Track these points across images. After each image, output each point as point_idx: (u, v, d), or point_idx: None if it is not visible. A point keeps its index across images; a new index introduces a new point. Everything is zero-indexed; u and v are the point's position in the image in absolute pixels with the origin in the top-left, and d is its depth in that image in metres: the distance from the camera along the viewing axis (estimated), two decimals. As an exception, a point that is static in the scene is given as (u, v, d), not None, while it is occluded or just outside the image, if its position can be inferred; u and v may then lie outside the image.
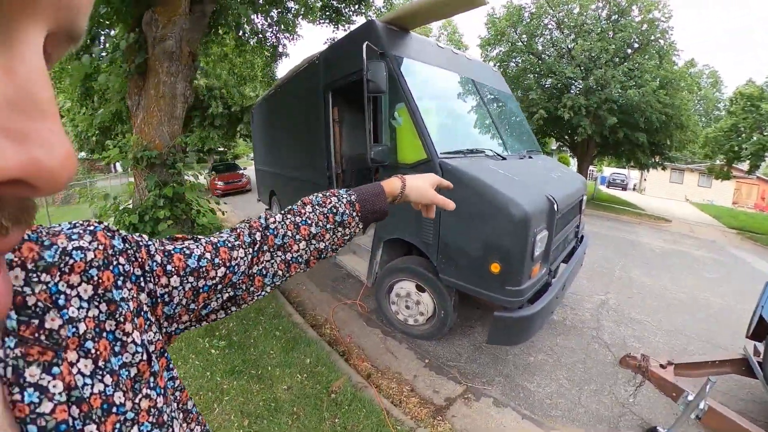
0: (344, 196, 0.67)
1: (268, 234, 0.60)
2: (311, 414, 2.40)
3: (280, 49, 6.65)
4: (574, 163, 17.09)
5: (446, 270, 2.71)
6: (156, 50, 3.38)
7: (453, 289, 2.86)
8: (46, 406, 0.30)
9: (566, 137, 13.49)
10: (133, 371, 0.38)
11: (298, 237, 0.61)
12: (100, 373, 0.35)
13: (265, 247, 0.59)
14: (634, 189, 28.84)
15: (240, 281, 0.56)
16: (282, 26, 6.00)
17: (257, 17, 5.75)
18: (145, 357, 0.40)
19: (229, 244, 0.55)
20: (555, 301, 2.68)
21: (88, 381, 0.34)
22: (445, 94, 3.21)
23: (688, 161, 23.82)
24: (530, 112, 11.37)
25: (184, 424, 0.46)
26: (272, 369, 2.89)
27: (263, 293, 0.61)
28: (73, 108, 5.03)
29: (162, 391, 0.41)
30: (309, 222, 0.63)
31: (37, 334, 0.32)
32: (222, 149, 19.58)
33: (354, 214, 0.67)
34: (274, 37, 6.39)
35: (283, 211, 0.64)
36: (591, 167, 28.65)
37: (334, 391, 2.60)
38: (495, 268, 2.38)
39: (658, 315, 4.15)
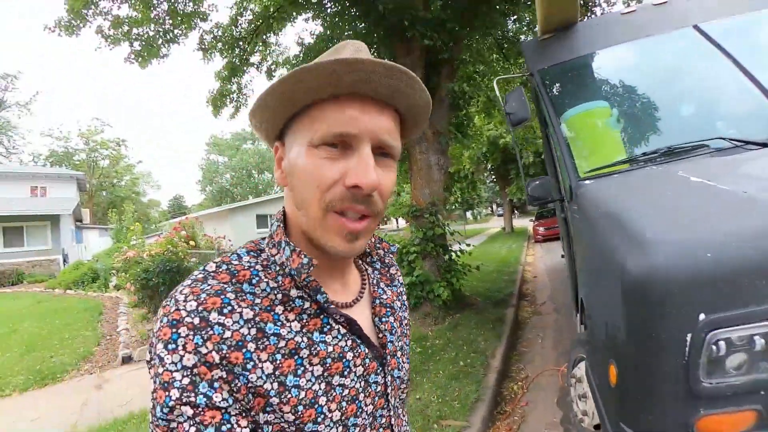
0: None
1: None
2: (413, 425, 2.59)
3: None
4: None
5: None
6: (407, 141, 4.89)
7: None
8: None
9: None
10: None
11: None
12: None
13: None
14: None
15: None
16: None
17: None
18: None
19: None
20: None
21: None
22: (641, 74, 2.25)
23: None
24: None
25: None
26: (416, 378, 3.20)
27: None
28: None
29: None
30: None
31: None
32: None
33: None
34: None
35: None
36: None
37: (442, 425, 2.57)
38: (612, 374, 1.36)
39: None
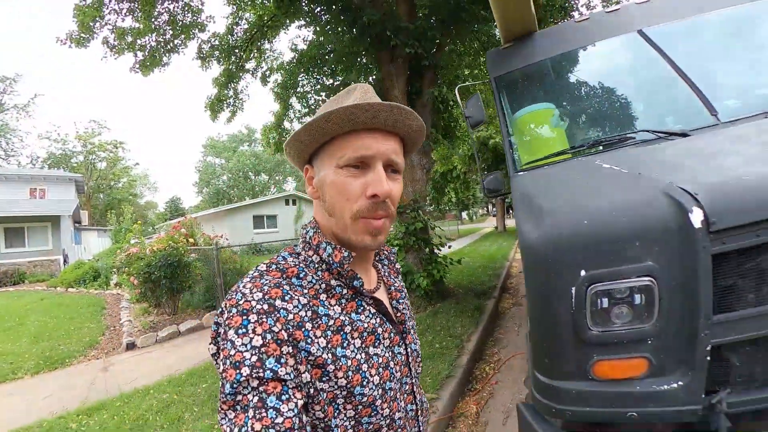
0: None
1: None
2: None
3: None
4: None
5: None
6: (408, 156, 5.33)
7: None
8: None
9: None
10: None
11: None
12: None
13: None
14: None
15: None
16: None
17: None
18: None
19: None
20: None
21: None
22: (588, 76, 2.49)
23: None
24: None
25: None
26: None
27: None
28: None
29: None
30: None
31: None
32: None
33: None
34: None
35: None
36: None
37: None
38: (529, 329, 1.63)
39: None
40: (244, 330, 0.46)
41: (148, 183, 46.87)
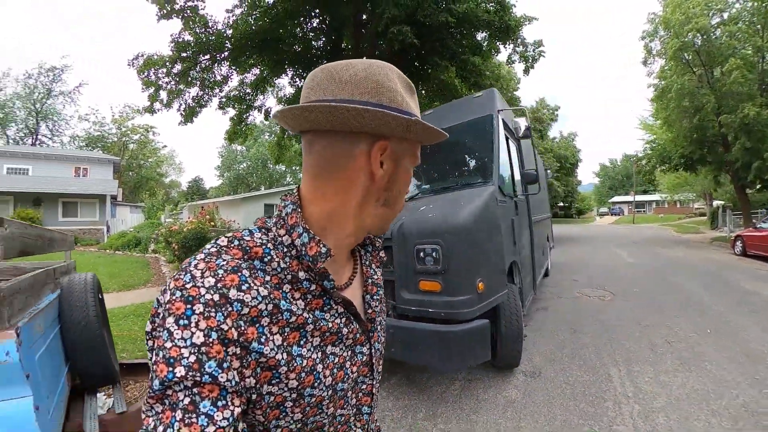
0: None
1: None
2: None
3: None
4: None
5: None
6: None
7: None
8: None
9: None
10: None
11: None
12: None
13: None
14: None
15: None
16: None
17: None
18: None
19: None
20: None
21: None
22: None
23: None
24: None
25: None
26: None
27: None
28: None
29: None
30: None
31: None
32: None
33: None
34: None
35: None
36: None
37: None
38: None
39: None
40: (185, 321, 0.39)
41: (173, 164, 50.97)
